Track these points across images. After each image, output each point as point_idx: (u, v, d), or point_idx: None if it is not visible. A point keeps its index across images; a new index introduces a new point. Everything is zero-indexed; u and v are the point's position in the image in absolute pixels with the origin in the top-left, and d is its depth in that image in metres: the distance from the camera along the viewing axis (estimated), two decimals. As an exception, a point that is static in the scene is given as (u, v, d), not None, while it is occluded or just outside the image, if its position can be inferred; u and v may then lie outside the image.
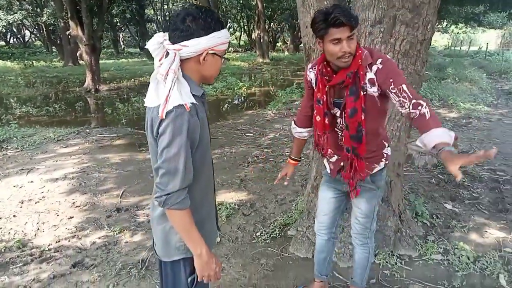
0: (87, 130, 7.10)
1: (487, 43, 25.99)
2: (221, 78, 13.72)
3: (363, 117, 1.73)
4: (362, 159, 1.85)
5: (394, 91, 1.62)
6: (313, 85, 1.90)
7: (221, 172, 4.71)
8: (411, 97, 1.58)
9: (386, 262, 2.78)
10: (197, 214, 1.41)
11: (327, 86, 1.78)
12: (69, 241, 3.20)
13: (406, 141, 3.02)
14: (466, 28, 27.85)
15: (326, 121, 1.86)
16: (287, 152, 5.50)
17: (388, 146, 1.98)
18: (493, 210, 3.62)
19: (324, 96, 1.81)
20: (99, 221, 3.53)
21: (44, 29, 27.67)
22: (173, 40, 1.29)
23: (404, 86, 1.60)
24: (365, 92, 1.71)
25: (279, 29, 32.90)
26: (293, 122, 2.16)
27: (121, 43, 37.88)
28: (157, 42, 1.30)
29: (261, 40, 23.51)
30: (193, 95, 1.32)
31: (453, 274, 2.66)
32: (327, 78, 1.77)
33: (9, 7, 25.04)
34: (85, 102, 10.92)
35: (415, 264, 2.79)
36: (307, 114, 2.06)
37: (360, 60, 1.67)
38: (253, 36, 29.61)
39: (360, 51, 1.68)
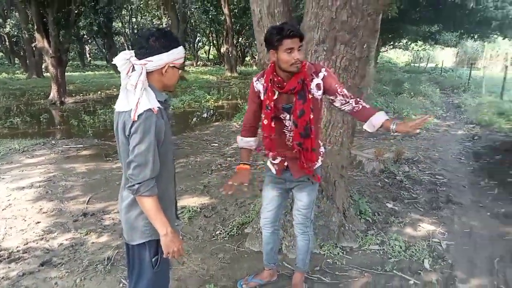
0: (53, 142, 7.17)
1: (442, 60, 27.60)
2: (189, 91, 14.00)
3: (311, 116, 2.08)
4: (312, 151, 2.18)
5: (341, 93, 2.06)
6: (261, 94, 2.22)
7: (185, 179, 4.98)
8: (352, 96, 2.07)
9: (330, 252, 3.13)
10: (163, 199, 1.71)
11: (278, 93, 2.12)
12: (37, 243, 3.36)
13: (349, 146, 3.41)
14: (425, 45, 29.43)
15: (273, 125, 2.18)
16: (250, 160, 5.82)
17: (322, 145, 2.35)
18: (428, 208, 4.08)
19: (272, 102, 2.14)
20: (66, 225, 3.70)
21: (7, 40, 27.04)
22: (139, 56, 1.62)
23: (345, 90, 2.08)
24: (311, 96, 2.07)
25: (247, 44, 33.61)
26: (239, 136, 2.41)
27: (88, 55, 37.42)
28: (124, 59, 1.62)
29: (230, 55, 24.00)
30: (158, 101, 1.64)
31: (386, 261, 3.05)
32: (279, 85, 2.10)
33: (-30, 17, 24.38)
34: (50, 115, 10.86)
35: (354, 254, 3.16)
36: (252, 125, 2.35)
37: (305, 69, 2.05)
38: (222, 50, 30.12)
39: (304, 62, 2.05)
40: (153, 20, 31.17)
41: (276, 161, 2.35)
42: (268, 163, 2.43)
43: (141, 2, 28.63)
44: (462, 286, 2.78)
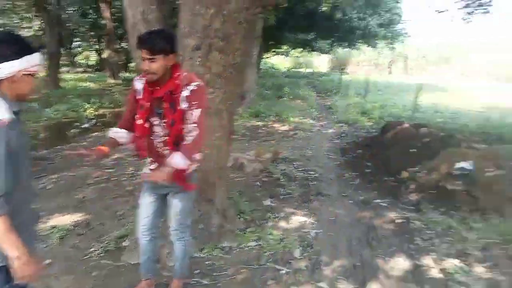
0: None
1: (318, 66, 30.20)
2: (65, 100, 12.90)
3: (181, 127, 2.11)
4: None
5: (191, 110, 2.08)
6: (139, 94, 2.20)
7: (57, 196, 4.58)
8: (195, 121, 2.08)
9: (210, 254, 3.22)
10: (16, 218, 1.56)
11: (151, 96, 2.13)
12: None
13: (227, 149, 3.54)
14: (303, 52, 31.81)
15: (146, 125, 2.19)
16: (131, 171, 5.63)
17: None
18: (300, 201, 4.45)
19: (148, 103, 2.15)
20: None
21: None
22: None
23: (198, 111, 2.08)
24: (180, 107, 2.09)
25: (131, 49, 32.26)
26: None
27: None
28: None
29: (112, 60, 22.77)
30: (13, 111, 1.51)
31: (262, 255, 3.25)
32: (152, 89, 2.11)
33: None
34: None
35: (234, 252, 3.29)
36: (129, 121, 2.29)
37: (177, 81, 2.07)
38: (103, 55, 28.39)
39: (178, 73, 2.08)
40: (23, 22, 27.98)
41: (152, 167, 2.35)
42: (144, 169, 2.42)
43: (7, 3, 25.45)
44: (326, 268, 3.10)
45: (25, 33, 27.97)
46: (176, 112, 2.11)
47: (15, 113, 1.55)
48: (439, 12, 6.80)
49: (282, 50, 30.07)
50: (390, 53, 29.06)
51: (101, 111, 12.33)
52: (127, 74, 28.19)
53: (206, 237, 3.35)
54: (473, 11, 6.48)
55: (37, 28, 27.07)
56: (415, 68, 30.45)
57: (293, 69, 37.85)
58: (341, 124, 9.58)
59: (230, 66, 3.12)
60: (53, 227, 3.71)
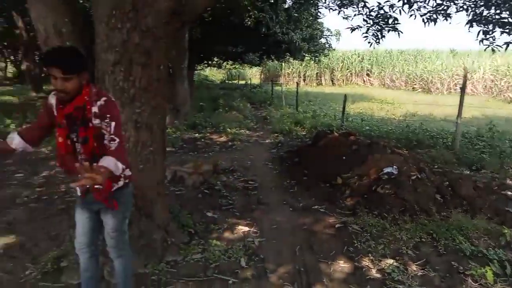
0: None
1: (251, 78, 30.82)
2: (-20, 116, 11.82)
3: (95, 144, 2.11)
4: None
5: (105, 124, 2.06)
6: (54, 110, 2.16)
7: (-19, 220, 4.23)
8: (112, 133, 2.05)
9: (155, 269, 3.19)
10: None
11: (63, 112, 2.10)
12: None
13: (162, 163, 3.54)
14: (235, 64, 32.24)
15: (69, 143, 2.15)
16: (63, 188, 5.35)
17: (126, 168, 2.34)
18: (243, 211, 4.56)
19: (64, 120, 2.12)
20: None
21: None
22: None
23: (113, 124, 2.06)
24: (92, 124, 2.09)
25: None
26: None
27: None
28: None
29: (32, 73, 21.25)
30: None
31: (208, 267, 3.30)
32: (61, 106, 2.09)
33: None
34: None
35: (179, 266, 3.30)
36: (33, 131, 2.24)
37: (86, 97, 2.07)
38: (22, 67, 26.35)
39: (87, 89, 2.08)
40: None
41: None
42: (72, 185, 2.35)
43: None
44: (272, 275, 3.24)
45: None
46: (88, 129, 2.11)
47: None
48: (352, 30, 7.31)
49: (214, 62, 30.30)
50: (317, 66, 30.55)
51: (25, 126, 11.46)
52: (51, 87, 26.49)
53: (149, 252, 3.32)
54: (382, 30, 7.03)
55: None
56: (342, 79, 32.27)
57: (227, 81, 38.19)
58: (276, 134, 9.89)
59: (155, 81, 3.11)
60: (-21, 253, 3.43)
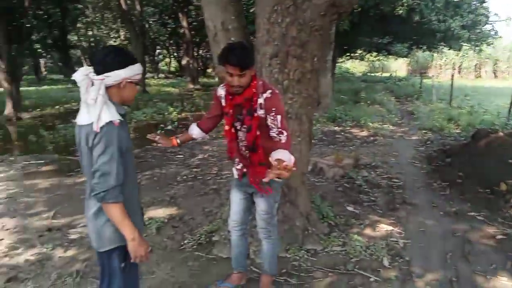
0: (11, 158, 6.92)
1: (396, 70, 28.96)
2: (151, 104, 13.88)
3: (258, 133, 2.25)
4: (260, 165, 2.33)
5: (272, 117, 2.19)
6: (222, 101, 2.39)
7: (151, 191, 4.98)
8: (280, 126, 2.18)
9: (295, 255, 3.28)
10: (127, 206, 1.78)
11: (232, 103, 2.30)
12: (1, 260, 3.28)
13: (308, 153, 3.59)
14: (379, 56, 30.77)
15: (233, 130, 2.37)
16: (215, 171, 5.92)
17: None
18: (386, 210, 4.33)
19: (231, 110, 2.33)
20: (31, 241, 3.63)
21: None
22: (98, 72, 1.71)
23: (279, 117, 2.19)
24: (257, 114, 2.23)
25: (208, 56, 33.73)
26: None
27: (43, 69, 36.07)
28: (83, 74, 1.72)
29: (191, 67, 24.00)
30: (119, 113, 1.73)
31: (348, 261, 3.23)
32: (231, 97, 2.29)
33: None
34: (6, 131, 10.43)
35: (319, 256, 3.32)
36: (207, 120, 2.56)
37: (254, 89, 2.21)
38: (182, 62, 30.02)
39: (255, 82, 2.22)
40: (110, 33, 30.67)
41: (238, 167, 2.51)
42: (233, 168, 2.58)
43: (97, 15, 28.11)
44: (418, 280, 3.00)
45: (112, 43, 30.66)
46: (253, 119, 2.24)
47: (122, 115, 1.77)
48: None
49: (357, 54, 29.40)
50: (477, 56, 26.95)
51: (183, 114, 13.05)
52: (205, 80, 29.56)
53: (291, 238, 3.42)
54: None
55: (123, 38, 29.49)
56: (508, 71, 27.82)
57: (369, 74, 36.75)
58: (424, 131, 9.10)
59: (308, 72, 3.16)
60: (150, 218, 4.04)
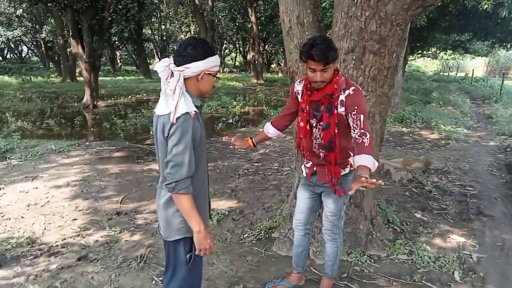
0: (87, 143, 7.45)
1: (473, 70, 26.93)
2: (216, 97, 14.21)
3: (336, 131, 2.16)
4: (335, 165, 2.25)
5: (354, 117, 2.07)
6: (299, 96, 2.33)
7: (213, 183, 5.08)
8: (362, 127, 2.05)
9: (358, 260, 3.15)
10: (197, 198, 1.80)
11: (309, 99, 2.23)
12: (74, 239, 3.53)
13: (377, 155, 3.43)
14: (454, 54, 28.80)
15: (308, 127, 2.30)
16: (276, 166, 5.90)
17: (353, 156, 2.38)
18: (458, 219, 4.02)
19: (308, 106, 2.26)
20: (101, 223, 3.86)
21: (43, 46, 28.21)
22: (178, 63, 1.73)
23: (362, 117, 2.06)
24: (337, 111, 2.13)
25: (273, 51, 33.79)
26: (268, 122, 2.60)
27: (118, 61, 38.50)
28: (164, 65, 1.74)
29: (256, 62, 24.19)
30: (195, 105, 1.74)
31: (415, 271, 3.04)
32: (309, 93, 2.21)
33: (9, 24, 25.60)
34: (84, 117, 11.27)
35: (382, 262, 3.16)
36: (283, 118, 2.52)
37: (336, 85, 2.12)
38: (248, 57, 30.39)
39: (337, 77, 2.13)
40: (182, 27, 31.86)
41: (308, 165, 2.45)
42: (302, 166, 2.53)
43: (170, 10, 29.34)
44: (493, 299, 2.74)
45: (183, 37, 31.93)
46: (332, 116, 2.13)
47: (198, 107, 1.77)
48: None
49: (430, 52, 27.74)
50: None
51: (246, 109, 13.20)
52: (269, 75, 29.67)
53: (353, 242, 3.29)
54: None
55: (193, 33, 30.48)
56: None
57: (441, 73, 34.58)
58: (504, 137, 8.34)
59: (385, 69, 2.99)
60: (212, 209, 4.08)
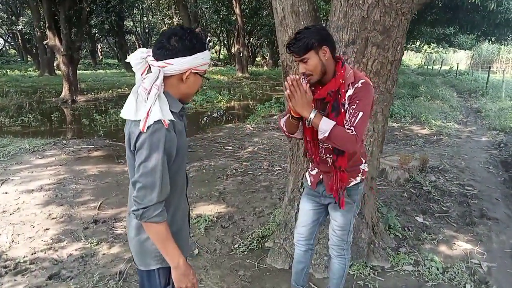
0: (64, 141, 7.00)
1: (458, 63, 27.09)
2: (201, 92, 13.79)
3: None
4: (342, 171, 1.96)
5: (351, 111, 1.79)
6: None
7: (200, 185, 4.75)
8: (355, 125, 1.76)
9: (360, 273, 2.88)
10: (174, 223, 1.48)
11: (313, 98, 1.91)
12: (45, 253, 3.16)
13: (378, 156, 3.15)
14: (438, 48, 28.89)
15: (315, 128, 1.97)
16: (266, 166, 5.59)
17: (365, 162, 2.09)
18: (461, 223, 3.79)
19: (313, 105, 1.93)
20: (76, 233, 3.50)
21: (19, 38, 27.18)
22: (158, 57, 1.36)
23: (360, 114, 1.77)
24: (344, 109, 1.83)
25: (258, 44, 33.36)
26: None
27: (99, 53, 37.47)
28: (140, 57, 1.37)
29: (241, 55, 23.77)
30: (171, 111, 1.38)
31: (423, 285, 2.78)
32: (313, 89, 1.90)
33: (-17, 15, 24.55)
34: (62, 113, 10.74)
35: (387, 275, 2.89)
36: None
37: (342, 80, 1.82)
38: (232, 50, 29.88)
39: (342, 71, 1.83)
40: (164, 19, 31.12)
41: (313, 172, 2.16)
42: (306, 174, 2.23)
43: (153, 1, 28.57)
44: (509, 315, 2.51)
45: (166, 29, 31.14)
46: (340, 116, 1.84)
47: (175, 113, 1.41)
48: None
49: (413, 46, 27.75)
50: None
51: (231, 103, 12.86)
52: (254, 68, 29.27)
53: (355, 252, 3.01)
54: None
55: (176, 24, 29.83)
56: None
57: (425, 66, 34.74)
58: (496, 132, 8.22)
59: (388, 63, 2.72)
60: (199, 216, 3.80)
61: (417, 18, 11.68)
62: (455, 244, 3.38)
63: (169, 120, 1.34)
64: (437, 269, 2.92)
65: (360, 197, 2.19)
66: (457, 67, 25.82)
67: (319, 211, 2.22)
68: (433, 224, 3.73)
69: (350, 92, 1.82)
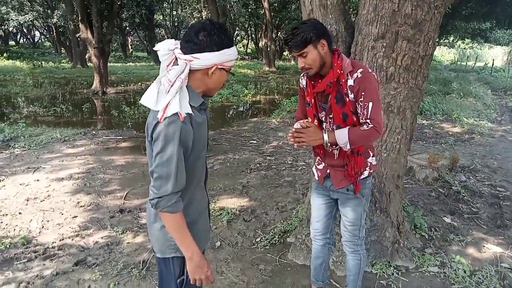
0: (93, 132, 7.19)
1: (493, 59, 26.03)
2: (227, 86, 13.84)
3: (355, 119, 1.87)
4: (360, 155, 1.94)
5: (361, 104, 1.80)
6: (304, 90, 2.05)
7: (223, 178, 4.78)
8: (370, 116, 1.79)
9: (383, 272, 2.82)
10: (189, 214, 1.48)
11: (313, 91, 1.95)
12: (72, 239, 3.26)
13: (406, 154, 3.07)
14: (472, 43, 27.86)
15: (316, 122, 1.99)
16: (290, 161, 5.57)
17: (372, 156, 2.06)
18: (492, 225, 3.65)
19: (313, 99, 1.98)
20: (102, 222, 3.59)
21: (54, 31, 28.04)
22: (185, 50, 1.36)
23: (370, 104, 1.78)
24: (348, 98, 1.83)
25: (286, 38, 33.01)
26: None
27: (129, 46, 38.20)
28: (168, 49, 1.37)
29: (268, 49, 23.65)
30: (190, 105, 1.38)
31: (448, 287, 2.70)
32: (313, 83, 1.93)
33: (21, 8, 25.45)
34: (92, 104, 11.04)
35: (411, 276, 2.82)
36: (300, 114, 2.20)
37: (339, 70, 1.82)
38: (260, 44, 29.80)
39: (339, 61, 1.83)
40: (193, 13, 31.36)
41: (320, 167, 2.14)
42: (313, 168, 2.22)
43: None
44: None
45: (194, 22, 31.34)
46: (346, 105, 1.85)
47: (195, 107, 1.41)
48: None
49: (446, 41, 26.86)
50: None
51: (257, 98, 12.84)
52: (281, 63, 29.09)
53: (378, 251, 2.96)
54: None
55: (204, 18, 30.01)
56: None
57: (458, 62, 33.55)
58: (532, 132, 7.87)
59: (419, 58, 2.63)
60: (221, 208, 3.82)
61: (451, 12, 11.27)
62: (484, 247, 3.26)
63: (186, 113, 1.35)
64: (464, 272, 2.82)
65: (369, 192, 2.16)
66: (493, 64, 24.78)
67: (331, 205, 2.20)
68: (462, 225, 3.61)
69: (350, 82, 1.82)
